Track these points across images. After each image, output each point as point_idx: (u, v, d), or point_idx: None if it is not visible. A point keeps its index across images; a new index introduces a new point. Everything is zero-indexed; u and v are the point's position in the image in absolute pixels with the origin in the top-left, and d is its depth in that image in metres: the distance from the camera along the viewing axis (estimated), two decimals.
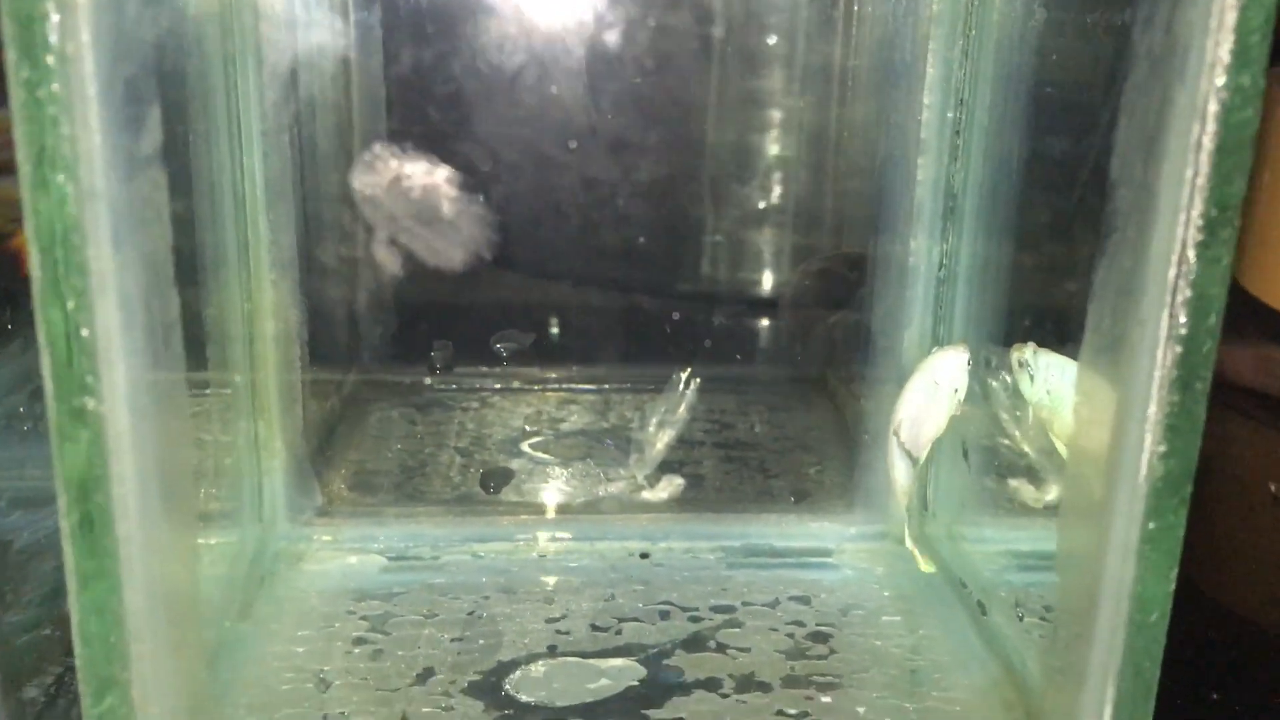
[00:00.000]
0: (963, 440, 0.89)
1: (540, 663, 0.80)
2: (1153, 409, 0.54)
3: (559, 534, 0.98)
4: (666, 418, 1.26)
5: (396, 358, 1.31)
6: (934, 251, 0.91)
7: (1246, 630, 0.94)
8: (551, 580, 0.92)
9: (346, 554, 0.95)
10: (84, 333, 0.51)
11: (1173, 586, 0.57)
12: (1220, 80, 0.49)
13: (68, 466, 0.52)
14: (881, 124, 0.95)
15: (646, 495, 1.10)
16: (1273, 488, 1.17)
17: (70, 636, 0.56)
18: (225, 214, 0.82)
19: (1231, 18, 0.49)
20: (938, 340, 0.92)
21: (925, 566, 0.91)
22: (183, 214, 0.83)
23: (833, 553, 0.97)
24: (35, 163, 0.49)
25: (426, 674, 0.78)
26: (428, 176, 1.19)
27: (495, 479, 1.06)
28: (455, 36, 1.22)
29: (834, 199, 1.28)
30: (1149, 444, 0.54)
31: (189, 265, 0.77)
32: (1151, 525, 0.55)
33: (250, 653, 0.80)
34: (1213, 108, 0.49)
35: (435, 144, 1.27)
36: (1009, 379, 0.80)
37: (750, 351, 1.43)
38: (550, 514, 1.01)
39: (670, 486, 1.11)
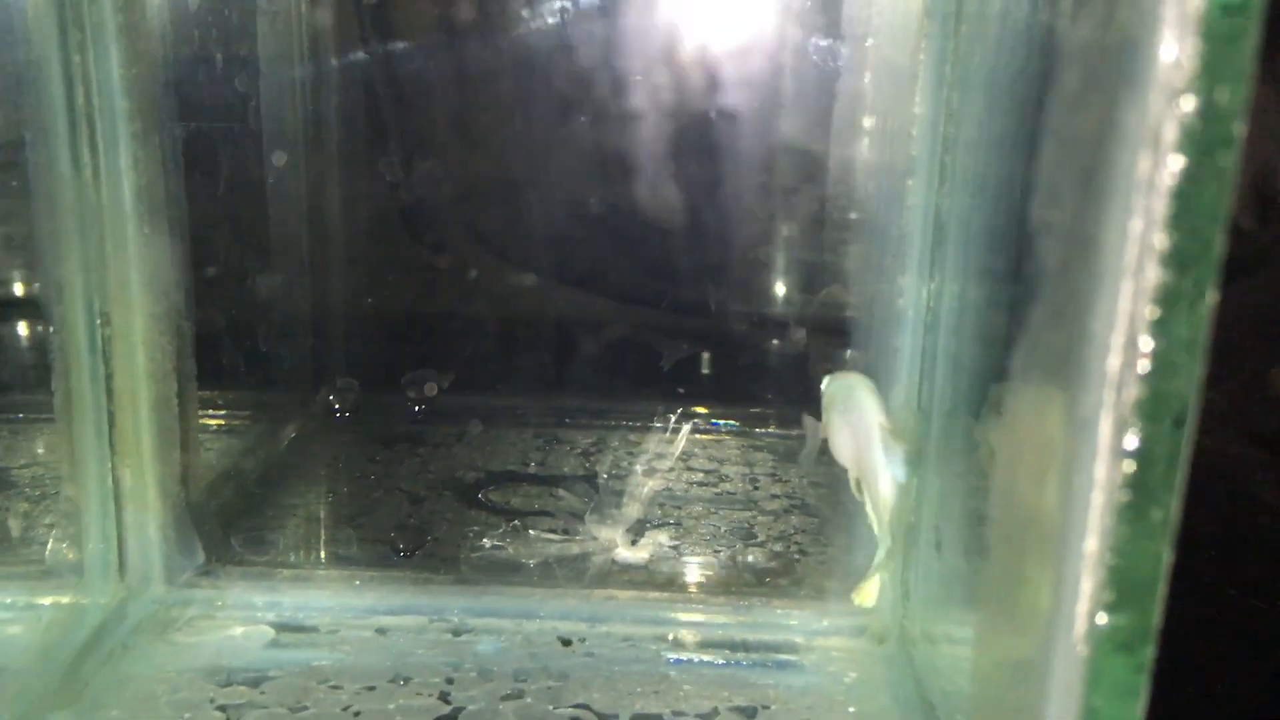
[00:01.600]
0: (936, 522, 0.73)
1: None
2: (1090, 544, 0.38)
3: (479, 609, 0.84)
4: (654, 465, 1.12)
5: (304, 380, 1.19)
6: (923, 291, 0.75)
7: None
8: (454, 669, 0.78)
9: (229, 623, 0.82)
10: None
11: None
12: (1183, 92, 0.33)
13: None
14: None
15: (624, 554, 0.96)
16: None
17: None
18: (67, 229, 0.69)
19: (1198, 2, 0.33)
20: (922, 399, 0.76)
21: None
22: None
23: (799, 649, 0.81)
24: None
25: None
26: None
27: (408, 539, 0.93)
28: None
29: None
30: (1088, 590, 0.38)
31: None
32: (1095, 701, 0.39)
33: None
34: (1170, 133, 0.33)
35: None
36: None
37: (759, 390, 1.29)
38: (472, 584, 0.87)
39: (651, 546, 0.97)
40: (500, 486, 1.06)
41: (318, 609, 0.84)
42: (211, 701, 0.73)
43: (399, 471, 1.10)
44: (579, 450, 1.17)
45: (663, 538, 0.96)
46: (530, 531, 0.95)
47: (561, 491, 1.03)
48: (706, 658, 0.80)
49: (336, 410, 1.15)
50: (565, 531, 0.96)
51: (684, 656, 0.80)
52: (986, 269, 0.69)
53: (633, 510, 1.00)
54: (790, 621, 0.83)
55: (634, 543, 0.97)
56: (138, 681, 0.75)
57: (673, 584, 0.89)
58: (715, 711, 0.74)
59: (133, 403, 0.78)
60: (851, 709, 0.74)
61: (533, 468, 1.13)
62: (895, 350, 0.77)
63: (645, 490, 1.03)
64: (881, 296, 0.78)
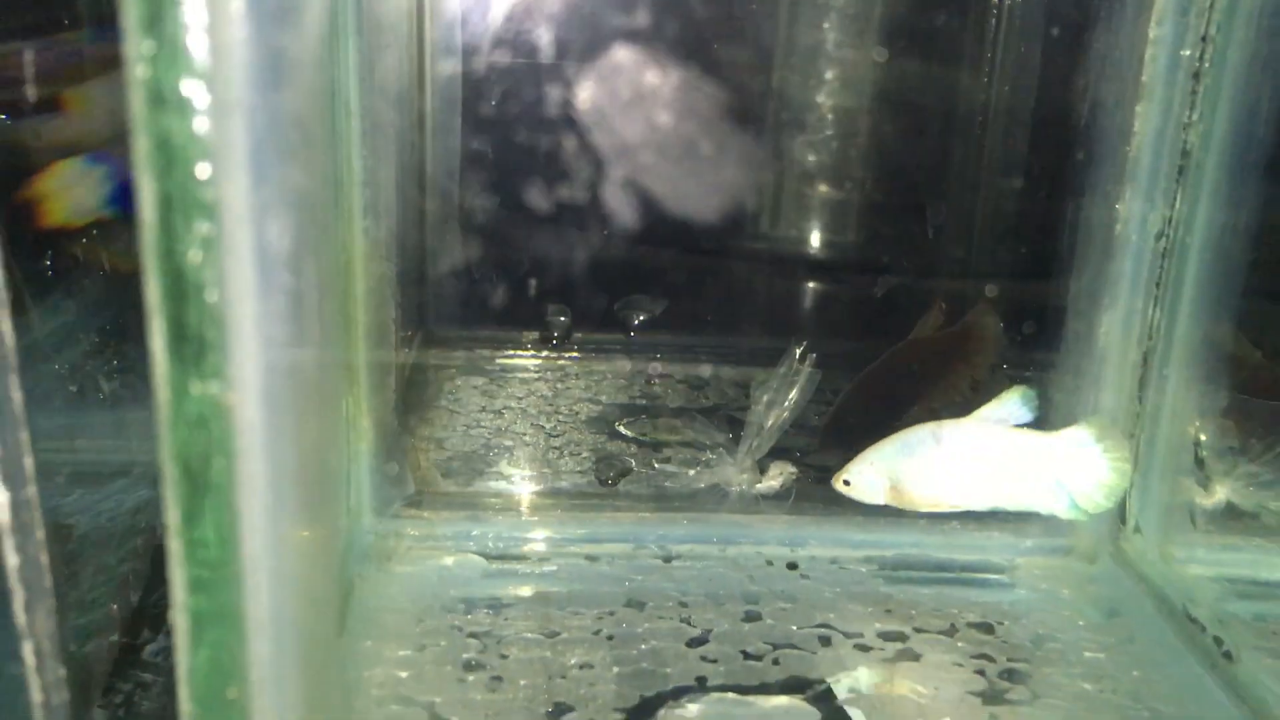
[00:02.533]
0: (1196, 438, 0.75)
1: (690, 700, 0.67)
2: None
3: (683, 535, 0.84)
4: (778, 397, 1.12)
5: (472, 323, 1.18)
6: (1151, 218, 0.77)
7: None
8: (682, 593, 0.78)
9: (440, 554, 0.81)
10: (210, 296, 0.37)
11: None
12: None
13: (180, 459, 0.39)
14: (1090, 62, 0.81)
15: (756, 486, 0.96)
16: None
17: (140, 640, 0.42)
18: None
19: None
20: (1150, 326, 0.79)
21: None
22: None
23: (1005, 569, 0.83)
24: (151, 61, 0.35)
25: (560, 711, 0.65)
26: None
27: (612, 469, 0.93)
28: None
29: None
30: None
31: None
32: None
33: (349, 676, 0.67)
34: None
35: None
36: None
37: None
38: (670, 510, 0.87)
39: (782, 475, 0.98)
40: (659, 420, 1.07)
41: (524, 538, 0.83)
42: (460, 630, 0.73)
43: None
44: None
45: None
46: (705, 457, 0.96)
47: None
48: (917, 578, 0.82)
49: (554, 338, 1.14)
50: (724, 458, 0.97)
51: (895, 576, 0.82)
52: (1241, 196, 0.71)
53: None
54: (991, 543, 0.85)
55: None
56: (384, 611, 0.74)
57: (860, 508, 0.89)
58: (954, 628, 0.76)
59: (354, 329, 0.76)
60: (1080, 622, 0.77)
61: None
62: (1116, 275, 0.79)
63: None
64: (1100, 221, 0.79)
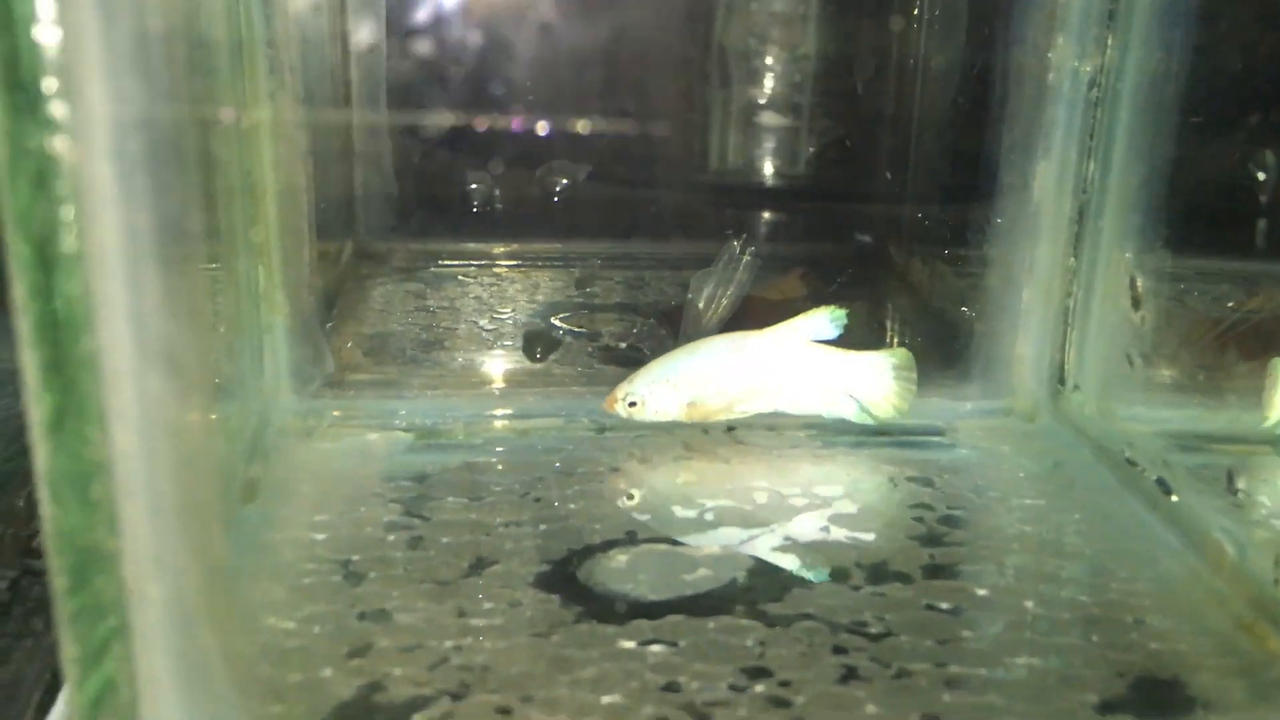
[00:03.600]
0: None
1: (619, 550, 0.65)
2: None
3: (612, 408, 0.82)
4: (719, 290, 1.10)
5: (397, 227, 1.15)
6: (1083, 66, 0.75)
7: None
8: (613, 458, 0.76)
9: (364, 430, 0.78)
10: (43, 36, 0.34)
11: None
12: None
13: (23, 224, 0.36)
14: None
15: None
16: None
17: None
18: None
19: None
20: (1083, 178, 0.77)
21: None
22: None
23: (944, 431, 0.81)
24: None
25: (480, 564, 0.63)
26: None
27: (541, 345, 0.90)
28: None
29: None
30: None
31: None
32: None
33: (260, 539, 0.64)
34: None
35: None
36: None
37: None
38: (602, 385, 0.85)
39: None
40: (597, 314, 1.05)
41: (451, 416, 0.81)
42: (378, 495, 0.70)
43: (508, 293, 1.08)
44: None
45: None
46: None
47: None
48: (855, 440, 0.80)
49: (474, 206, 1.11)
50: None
51: (834, 441, 0.80)
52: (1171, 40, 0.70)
53: None
54: (929, 408, 0.83)
55: None
56: (301, 481, 0.71)
57: None
58: (894, 481, 0.74)
59: (262, 196, 0.73)
60: (1020, 474, 0.76)
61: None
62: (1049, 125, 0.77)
63: None
64: (1032, 70, 0.77)
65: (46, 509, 0.40)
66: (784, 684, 0.53)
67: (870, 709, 0.52)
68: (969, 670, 0.54)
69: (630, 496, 0.71)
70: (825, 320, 0.77)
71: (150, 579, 0.42)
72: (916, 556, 0.65)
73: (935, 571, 0.63)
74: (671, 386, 0.77)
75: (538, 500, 0.70)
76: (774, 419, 0.81)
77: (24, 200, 0.36)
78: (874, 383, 0.78)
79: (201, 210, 0.52)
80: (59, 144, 0.36)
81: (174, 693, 0.43)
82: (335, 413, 0.79)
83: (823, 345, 0.78)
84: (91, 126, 0.36)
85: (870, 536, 0.67)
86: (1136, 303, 0.74)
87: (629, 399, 0.77)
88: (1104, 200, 0.77)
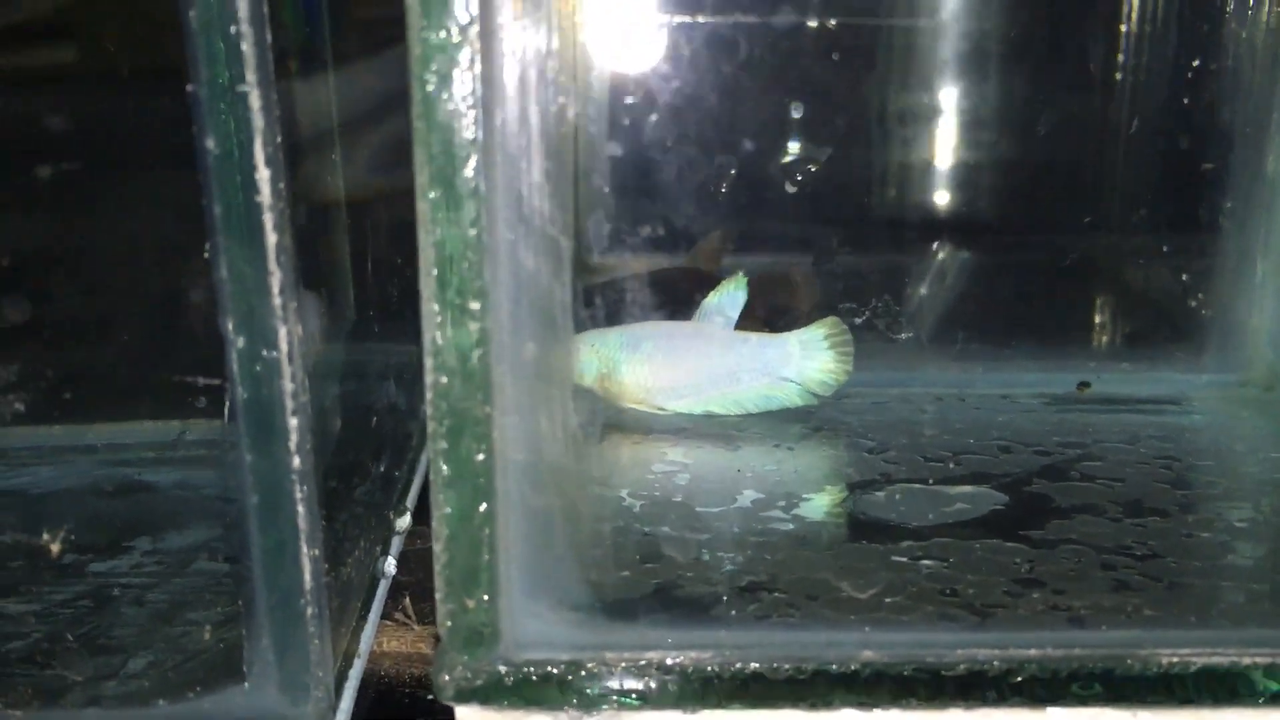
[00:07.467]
0: None
1: (877, 490, 0.69)
2: None
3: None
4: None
5: None
6: None
7: None
8: (855, 420, 0.80)
9: None
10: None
11: None
12: None
13: None
14: None
15: None
16: None
17: None
18: None
19: None
20: None
21: None
22: None
23: (1180, 401, 0.83)
24: None
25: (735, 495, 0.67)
26: None
27: None
28: None
29: None
30: None
31: None
32: None
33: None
34: None
35: None
36: None
37: None
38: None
39: None
40: None
41: None
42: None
43: None
44: None
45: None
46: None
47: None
48: (1089, 409, 0.82)
49: None
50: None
51: (1068, 408, 0.82)
52: None
53: None
54: (1164, 379, 0.84)
55: None
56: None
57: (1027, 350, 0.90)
58: (1135, 438, 0.75)
59: None
60: (1263, 432, 0.76)
61: None
62: None
63: None
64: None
65: (431, 378, 0.46)
66: (1058, 592, 0.56)
67: (1148, 613, 0.54)
68: (1243, 585, 0.56)
69: (879, 450, 0.74)
70: (733, 291, 0.79)
71: (513, 444, 0.47)
72: (1170, 496, 0.67)
73: (1190, 508, 0.65)
74: (594, 354, 0.78)
75: (791, 450, 0.74)
76: (1008, 390, 0.83)
77: None
78: (809, 360, 0.78)
79: None
80: None
81: (520, 545, 0.49)
82: None
83: (751, 334, 0.78)
84: None
85: (1120, 483, 0.69)
86: None
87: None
88: None
